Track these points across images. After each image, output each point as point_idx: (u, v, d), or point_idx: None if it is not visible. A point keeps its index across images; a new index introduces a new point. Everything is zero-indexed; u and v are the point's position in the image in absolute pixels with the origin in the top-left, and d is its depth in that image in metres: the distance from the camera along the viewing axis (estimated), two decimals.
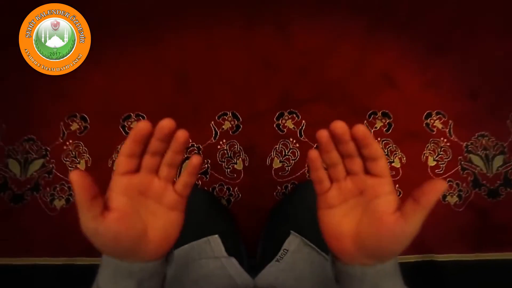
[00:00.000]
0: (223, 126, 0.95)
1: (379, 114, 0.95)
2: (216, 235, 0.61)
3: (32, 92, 0.96)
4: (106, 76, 0.98)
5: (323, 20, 1.03)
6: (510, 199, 0.88)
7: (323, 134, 0.28)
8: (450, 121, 0.94)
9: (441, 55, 0.99)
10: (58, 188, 0.90)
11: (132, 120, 0.95)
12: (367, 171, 0.29)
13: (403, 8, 1.03)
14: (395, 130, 0.94)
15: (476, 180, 0.90)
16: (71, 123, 0.94)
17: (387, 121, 0.94)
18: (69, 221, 0.87)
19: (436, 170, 0.90)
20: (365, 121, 0.94)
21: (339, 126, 0.27)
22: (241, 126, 0.95)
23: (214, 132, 0.94)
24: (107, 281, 0.31)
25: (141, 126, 0.27)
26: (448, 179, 0.90)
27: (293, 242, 0.60)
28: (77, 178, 0.26)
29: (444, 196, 0.89)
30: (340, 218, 0.31)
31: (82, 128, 0.94)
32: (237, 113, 0.96)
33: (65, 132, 0.94)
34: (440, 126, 0.94)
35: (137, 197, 0.30)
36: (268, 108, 0.96)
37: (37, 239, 0.87)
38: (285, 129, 0.95)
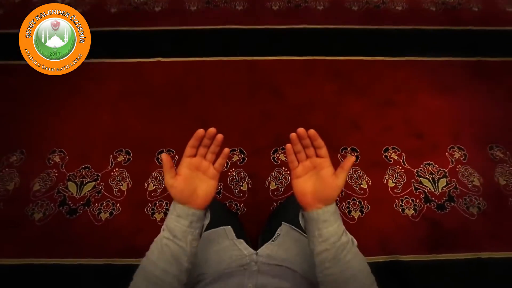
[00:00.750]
0: (233, 159, 1.26)
1: (349, 149, 1.26)
2: (229, 226, 0.86)
3: (89, 133, 1.30)
4: (145, 121, 1.33)
5: (305, 85, 1.43)
6: (454, 212, 1.13)
7: (293, 135, 0.56)
8: (403, 154, 1.25)
9: (392, 108, 1.36)
10: (104, 204, 1.16)
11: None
12: (317, 155, 0.58)
13: (363, 77, 1.44)
14: (362, 161, 1.24)
15: (427, 197, 1.16)
16: (118, 156, 1.26)
17: (356, 154, 1.26)
18: (111, 229, 1.11)
19: (395, 190, 1.18)
20: (339, 154, 1.25)
21: (301, 131, 0.55)
22: (246, 158, 1.26)
23: (226, 163, 1.24)
24: (173, 220, 0.55)
25: (199, 132, 0.55)
26: (405, 196, 1.16)
27: (284, 228, 0.85)
28: (165, 157, 0.54)
29: (403, 210, 1.14)
30: (304, 183, 0.55)
31: (126, 159, 1.25)
32: (243, 149, 1.28)
33: (113, 162, 1.24)
34: (395, 157, 1.24)
35: (194, 170, 0.57)
36: (266, 145, 1.29)
37: (84, 244, 1.09)
38: (279, 161, 1.26)
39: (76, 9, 1.64)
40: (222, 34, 1.59)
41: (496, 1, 1.70)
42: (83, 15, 1.63)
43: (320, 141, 0.57)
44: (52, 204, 1.16)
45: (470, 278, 1.03)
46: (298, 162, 0.58)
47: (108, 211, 1.15)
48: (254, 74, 1.46)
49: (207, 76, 1.46)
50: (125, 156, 1.25)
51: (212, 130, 0.57)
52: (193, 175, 0.56)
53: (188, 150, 0.57)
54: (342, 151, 1.26)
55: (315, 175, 0.58)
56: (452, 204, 1.15)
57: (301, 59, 1.50)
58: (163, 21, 1.63)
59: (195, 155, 0.57)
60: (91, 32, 1.56)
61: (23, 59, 1.46)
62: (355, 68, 1.48)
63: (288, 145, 0.58)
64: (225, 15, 1.66)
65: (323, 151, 0.57)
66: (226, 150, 0.59)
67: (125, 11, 1.67)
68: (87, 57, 1.47)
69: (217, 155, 0.61)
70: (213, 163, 0.60)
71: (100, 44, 1.54)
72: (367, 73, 1.46)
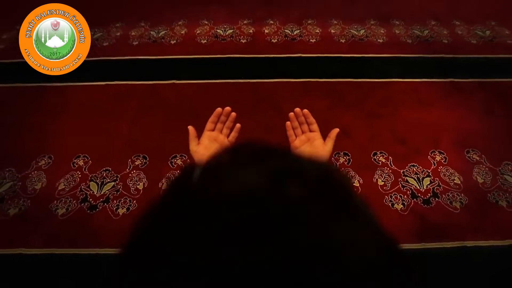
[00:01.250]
0: None
1: (341, 153, 1.42)
2: None
3: (110, 141, 1.47)
4: (160, 131, 1.51)
5: (302, 101, 1.63)
6: (439, 206, 1.25)
7: (291, 114, 0.76)
8: (390, 157, 1.40)
9: (378, 119, 1.55)
10: (122, 201, 1.28)
11: (177, 158, 1.41)
12: (310, 130, 0.76)
13: (352, 95, 1.65)
14: (353, 163, 1.39)
15: (413, 193, 1.29)
16: (136, 160, 1.41)
17: (347, 158, 1.41)
18: (127, 223, 1.22)
19: (384, 187, 1.31)
20: (333, 158, 1.40)
21: (298, 110, 0.76)
22: None
23: None
24: (197, 176, 0.72)
25: (218, 110, 0.76)
26: (393, 193, 1.29)
27: None
28: (191, 129, 0.75)
29: (393, 204, 1.26)
30: (300, 152, 0.75)
31: (143, 163, 1.40)
32: None
33: (131, 165, 1.39)
34: (383, 160, 1.39)
35: (212, 141, 0.76)
36: None
37: (103, 236, 1.19)
38: None
39: (103, 43, 1.93)
40: (229, 61, 1.84)
41: (462, 35, 1.98)
42: (108, 48, 1.90)
43: (312, 119, 0.75)
44: (74, 201, 1.28)
45: (457, 265, 1.11)
46: (296, 137, 0.76)
47: (125, 207, 1.27)
48: (257, 93, 1.67)
49: (215, 95, 1.67)
50: (142, 160, 1.40)
51: (228, 108, 0.75)
52: (211, 145, 0.74)
53: (209, 125, 0.75)
54: (335, 155, 1.42)
55: (309, 146, 0.75)
56: (436, 199, 1.27)
57: (297, 81, 1.73)
58: (177, 51, 1.89)
59: (213, 130, 0.75)
60: (115, 61, 1.83)
61: (54, 81, 1.67)
62: (345, 87, 1.69)
63: (288, 122, 0.77)
64: (231, 47, 1.93)
65: (315, 126, 0.75)
66: (238, 125, 0.77)
67: (145, 43, 1.94)
68: (111, 79, 1.71)
69: (231, 130, 0.78)
70: (228, 137, 0.77)
71: (123, 70, 1.78)
72: (355, 92, 1.67)
